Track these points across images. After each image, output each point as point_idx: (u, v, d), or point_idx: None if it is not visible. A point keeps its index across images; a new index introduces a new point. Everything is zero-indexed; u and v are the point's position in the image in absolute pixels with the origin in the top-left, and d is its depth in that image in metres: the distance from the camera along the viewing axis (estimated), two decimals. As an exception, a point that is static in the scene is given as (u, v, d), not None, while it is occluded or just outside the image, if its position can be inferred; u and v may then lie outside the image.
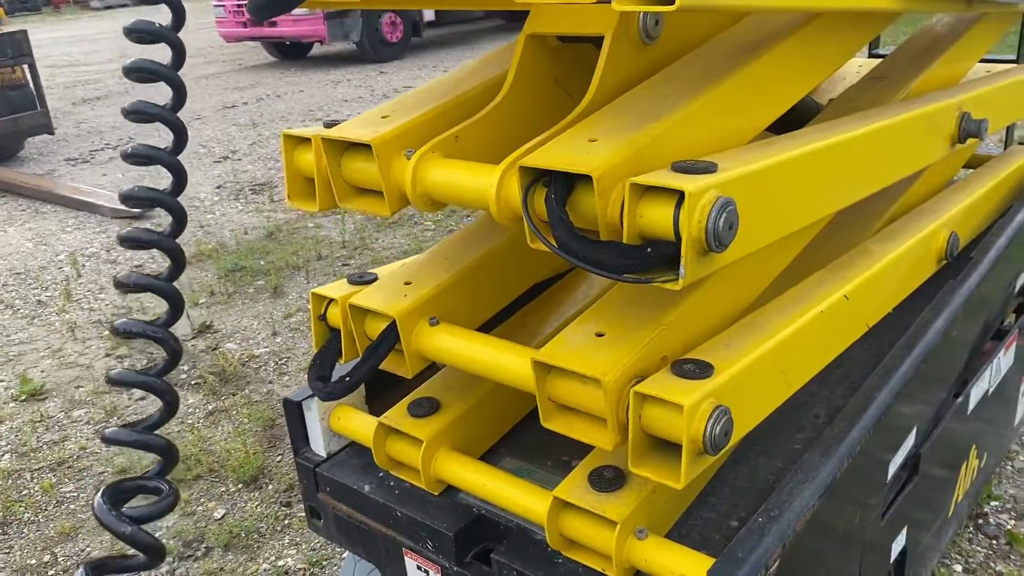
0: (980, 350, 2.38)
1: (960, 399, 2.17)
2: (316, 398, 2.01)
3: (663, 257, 1.25)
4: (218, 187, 7.25)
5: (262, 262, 5.44)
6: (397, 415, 1.85)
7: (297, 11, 13.17)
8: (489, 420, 1.92)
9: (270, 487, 3.20)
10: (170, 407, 1.10)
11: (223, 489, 3.22)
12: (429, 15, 14.48)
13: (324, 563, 2.80)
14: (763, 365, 1.49)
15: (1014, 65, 2.83)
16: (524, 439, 1.95)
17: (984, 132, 2.15)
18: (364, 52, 13.50)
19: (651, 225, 1.27)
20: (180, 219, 1.12)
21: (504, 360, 1.63)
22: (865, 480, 1.73)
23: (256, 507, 3.10)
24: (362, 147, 1.58)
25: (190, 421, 3.70)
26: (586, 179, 1.30)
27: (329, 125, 1.69)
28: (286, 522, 3.01)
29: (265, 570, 2.80)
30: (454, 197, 1.57)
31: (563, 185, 1.34)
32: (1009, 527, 2.71)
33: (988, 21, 2.58)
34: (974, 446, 2.40)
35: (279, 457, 3.37)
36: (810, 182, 1.57)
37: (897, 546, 2.00)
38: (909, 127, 1.92)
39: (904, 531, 2.01)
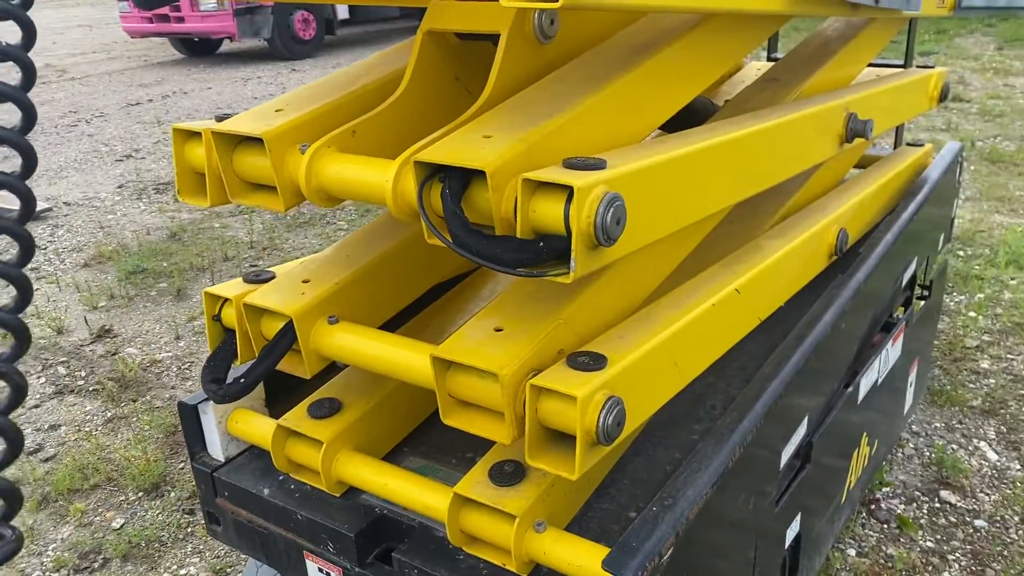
0: (869, 342, 2.48)
1: (850, 389, 2.26)
2: (212, 401, 1.95)
3: (555, 251, 1.28)
4: (119, 186, 7.00)
5: (165, 264, 5.28)
6: (297, 417, 1.81)
7: (206, 6, 12.75)
8: (392, 420, 1.90)
9: (172, 495, 3.10)
10: (13, 447, 1.03)
11: (122, 498, 3.11)
12: (343, 13, 14.29)
13: (228, 570, 2.73)
14: (656, 357, 1.52)
15: (901, 69, 2.96)
16: (428, 437, 1.94)
17: (870, 132, 2.24)
18: (276, 49, 13.23)
19: (543, 220, 1.29)
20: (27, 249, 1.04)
21: (403, 357, 1.62)
22: (758, 468, 1.78)
23: (157, 515, 3.00)
24: (254, 141, 1.55)
25: (87, 429, 3.56)
26: (480, 175, 1.30)
27: (221, 119, 1.65)
28: (189, 530, 2.93)
29: (166, 580, 2.71)
30: (350, 192, 1.55)
31: (458, 180, 1.34)
32: (899, 512, 2.83)
33: (876, 27, 2.69)
34: (865, 434, 2.50)
35: (182, 464, 3.27)
36: (699, 179, 1.61)
37: (792, 532, 2.06)
38: (798, 126, 1.98)
39: (798, 517, 2.08)
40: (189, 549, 2.84)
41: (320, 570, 1.81)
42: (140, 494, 3.11)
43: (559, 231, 1.27)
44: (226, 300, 1.77)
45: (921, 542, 2.70)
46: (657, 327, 1.57)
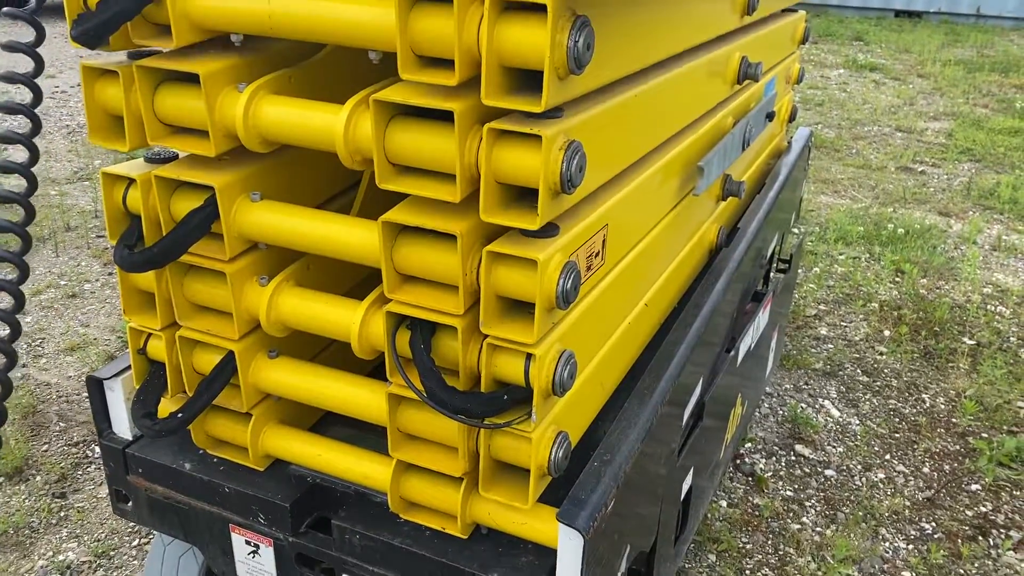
0: (743, 310, 2.70)
1: (732, 353, 2.46)
2: (120, 376, 1.88)
3: (517, 401, 1.43)
4: (-68, 148, 6.35)
5: (-2, 234, 4.87)
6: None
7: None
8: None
9: (38, 478, 2.92)
10: None
11: (-20, 484, 2.90)
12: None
13: (112, 553, 2.62)
14: (586, 385, 1.67)
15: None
16: None
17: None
18: None
19: (505, 374, 1.43)
20: None
21: (355, 395, 1.67)
22: (669, 426, 1.93)
23: (24, 501, 2.82)
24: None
25: (-72, 412, 3.27)
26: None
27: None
28: (62, 514, 2.77)
29: (43, 567, 2.56)
30: (312, 327, 1.62)
31: (428, 331, 1.45)
32: (760, 466, 3.11)
33: None
34: (740, 395, 2.72)
35: (45, 446, 3.08)
36: (616, 312, 1.80)
37: (685, 487, 2.24)
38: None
39: (691, 473, 2.25)
40: (64, 534, 2.69)
41: (247, 542, 1.80)
42: (1, 479, 2.91)
43: (519, 383, 1.42)
44: (151, 334, 1.74)
45: (782, 491, 2.98)
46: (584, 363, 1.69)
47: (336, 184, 1.80)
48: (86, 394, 3.37)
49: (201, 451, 1.84)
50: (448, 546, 1.62)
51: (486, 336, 1.41)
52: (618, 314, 1.80)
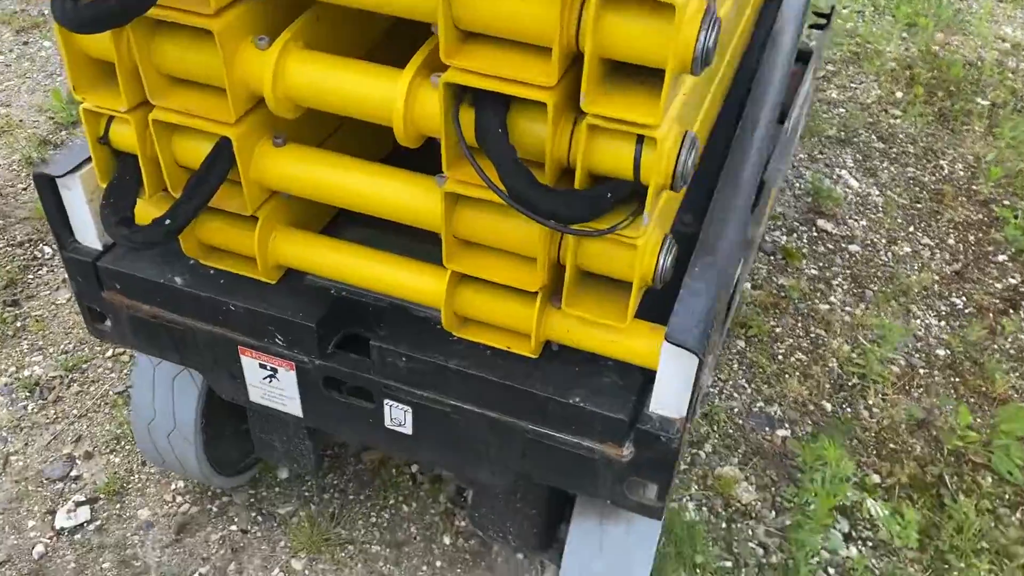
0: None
1: (783, 125, 2.16)
2: (78, 172, 1.49)
3: (620, 201, 1.12)
4: None
5: None
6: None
7: None
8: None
9: (-18, 285, 2.57)
10: None
11: (-85, 294, 2.54)
12: None
13: (84, 366, 2.34)
14: None
15: None
16: None
17: None
18: None
19: (607, 165, 1.10)
20: None
21: (395, 191, 1.32)
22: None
23: (-29, 311, 2.49)
24: None
25: None
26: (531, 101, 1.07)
27: None
28: (18, 324, 2.45)
29: (6, 385, 2.28)
30: (339, 106, 1.24)
31: (501, 109, 1.09)
32: (783, 243, 2.90)
33: None
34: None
35: (-15, 247, 2.70)
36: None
37: (736, 273, 2.01)
38: None
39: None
40: (25, 346, 2.39)
41: (262, 366, 1.52)
42: (-61, 288, 2.55)
43: (627, 177, 1.09)
44: (112, 118, 1.32)
45: (807, 271, 2.80)
46: None
47: None
48: (22, 186, 2.95)
49: (192, 261, 1.51)
50: (515, 367, 1.36)
51: (583, 115, 1.06)
52: (711, 78, 1.47)
